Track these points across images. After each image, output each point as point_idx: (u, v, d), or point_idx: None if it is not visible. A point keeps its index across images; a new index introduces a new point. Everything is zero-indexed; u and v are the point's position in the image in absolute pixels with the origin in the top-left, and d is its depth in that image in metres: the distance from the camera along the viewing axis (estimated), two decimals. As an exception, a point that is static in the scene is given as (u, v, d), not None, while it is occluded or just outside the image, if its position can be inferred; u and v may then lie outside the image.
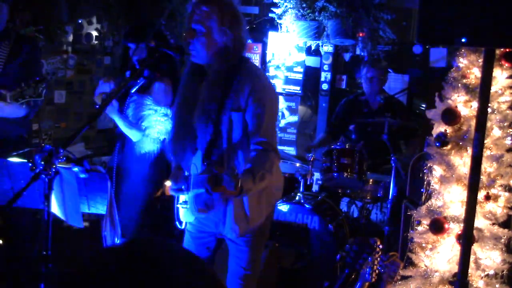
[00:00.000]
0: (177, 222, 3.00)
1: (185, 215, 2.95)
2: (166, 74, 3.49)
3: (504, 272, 2.50)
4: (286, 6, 5.39)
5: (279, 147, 5.78)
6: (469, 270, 2.33)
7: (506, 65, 2.44)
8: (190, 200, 2.86)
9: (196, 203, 2.81)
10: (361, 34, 5.24)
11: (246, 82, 2.70)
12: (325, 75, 5.86)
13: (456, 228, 2.48)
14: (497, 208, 2.48)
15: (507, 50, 2.37)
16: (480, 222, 2.46)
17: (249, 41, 5.88)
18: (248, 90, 2.68)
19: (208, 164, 2.71)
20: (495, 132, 2.47)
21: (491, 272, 2.50)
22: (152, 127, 3.47)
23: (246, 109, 2.70)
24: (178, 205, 2.95)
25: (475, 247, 2.45)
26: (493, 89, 2.38)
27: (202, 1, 2.67)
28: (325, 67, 5.84)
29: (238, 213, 2.77)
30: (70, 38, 5.45)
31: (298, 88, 5.91)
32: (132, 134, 3.47)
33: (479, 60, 2.40)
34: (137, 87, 3.30)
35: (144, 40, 3.47)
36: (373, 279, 2.41)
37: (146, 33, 3.53)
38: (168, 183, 2.96)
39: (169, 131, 2.98)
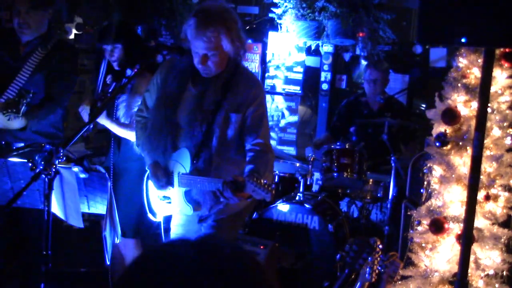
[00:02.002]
0: (150, 214, 3.03)
1: (163, 209, 2.99)
2: (147, 70, 3.47)
3: (504, 272, 2.50)
4: (286, 6, 5.39)
5: (279, 147, 5.81)
6: (469, 270, 2.33)
7: (506, 65, 2.43)
8: (177, 198, 2.88)
9: (188, 201, 2.83)
10: (361, 34, 5.24)
11: (244, 84, 2.75)
12: (325, 75, 5.86)
13: (456, 228, 2.48)
14: (497, 208, 2.48)
15: (507, 50, 2.37)
16: (480, 222, 2.46)
17: (249, 41, 5.88)
18: (249, 93, 2.74)
19: (193, 162, 2.76)
20: (495, 132, 2.47)
21: (491, 272, 2.49)
22: None
23: (247, 110, 2.74)
24: (160, 200, 2.98)
25: (475, 247, 2.45)
26: (493, 89, 2.38)
27: (204, 26, 2.61)
28: (325, 67, 5.84)
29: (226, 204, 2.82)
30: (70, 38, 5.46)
31: (298, 88, 5.91)
32: (128, 135, 3.47)
33: (479, 60, 2.40)
34: (120, 84, 3.27)
35: (118, 40, 3.44)
36: (373, 279, 2.41)
37: (120, 32, 3.49)
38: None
39: (148, 127, 2.98)
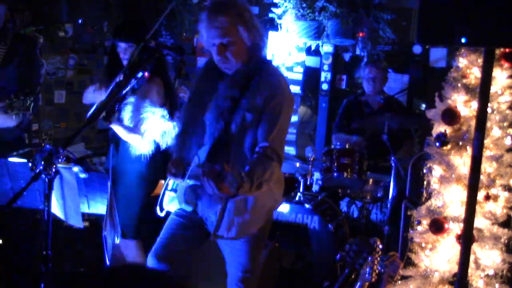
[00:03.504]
0: (158, 208, 2.97)
1: (169, 202, 2.92)
2: (157, 74, 3.41)
3: (504, 272, 2.50)
4: (286, 6, 5.39)
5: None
6: (469, 270, 2.33)
7: (506, 65, 2.44)
8: (180, 190, 2.82)
9: (185, 194, 2.77)
10: (361, 34, 5.24)
11: (266, 84, 2.63)
12: (325, 75, 5.86)
13: (456, 228, 2.49)
14: (497, 208, 2.49)
15: (507, 50, 2.38)
16: (480, 222, 2.47)
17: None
18: (267, 93, 2.61)
19: (208, 159, 2.68)
20: (495, 132, 2.47)
21: (491, 272, 2.50)
22: (151, 129, 3.44)
23: (262, 111, 2.62)
24: (167, 191, 2.93)
25: (475, 247, 2.45)
26: (493, 89, 2.38)
27: (216, 12, 2.55)
28: (325, 67, 5.84)
29: (237, 214, 2.70)
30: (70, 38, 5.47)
31: (298, 88, 5.91)
32: (131, 139, 3.44)
33: (479, 60, 2.40)
34: (127, 88, 3.22)
35: (135, 39, 3.34)
36: (373, 279, 2.41)
37: (137, 32, 3.40)
38: (162, 182, 2.95)
39: (177, 126, 2.94)
